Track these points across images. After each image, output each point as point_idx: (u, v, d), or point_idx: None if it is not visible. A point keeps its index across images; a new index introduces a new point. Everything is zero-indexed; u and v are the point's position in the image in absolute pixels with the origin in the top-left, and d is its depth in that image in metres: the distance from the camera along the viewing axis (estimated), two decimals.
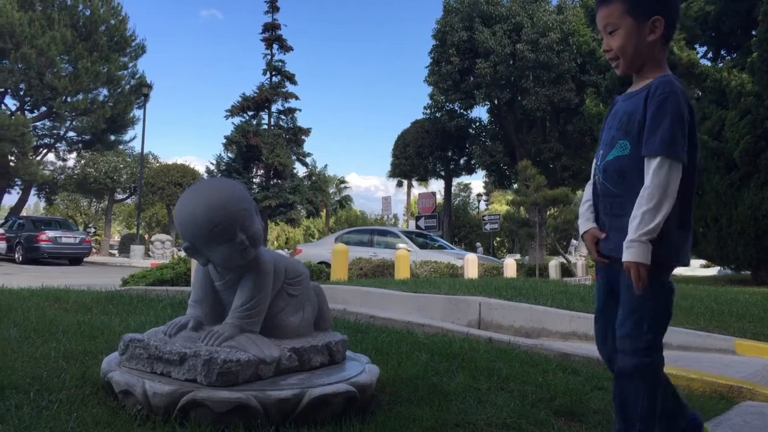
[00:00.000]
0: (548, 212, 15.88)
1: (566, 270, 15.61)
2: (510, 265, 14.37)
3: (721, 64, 14.00)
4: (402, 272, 11.58)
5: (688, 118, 1.79)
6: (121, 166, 33.19)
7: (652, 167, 1.75)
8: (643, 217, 1.73)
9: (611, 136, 1.93)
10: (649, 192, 1.74)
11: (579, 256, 22.12)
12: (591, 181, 2.06)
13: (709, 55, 16.97)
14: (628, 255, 1.75)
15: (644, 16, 1.88)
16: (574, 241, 33.72)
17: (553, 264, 15.69)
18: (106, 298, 4.74)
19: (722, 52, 16.72)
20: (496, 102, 29.97)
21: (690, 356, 4.47)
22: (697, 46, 16.13)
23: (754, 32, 12.92)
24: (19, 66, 29.51)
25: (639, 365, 1.83)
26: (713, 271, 23.59)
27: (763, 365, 4.15)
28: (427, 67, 30.81)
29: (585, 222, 2.01)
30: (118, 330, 3.23)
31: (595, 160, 2.03)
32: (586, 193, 2.07)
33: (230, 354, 2.06)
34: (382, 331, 4.01)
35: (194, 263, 2.53)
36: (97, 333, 3.13)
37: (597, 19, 1.98)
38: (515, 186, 23.56)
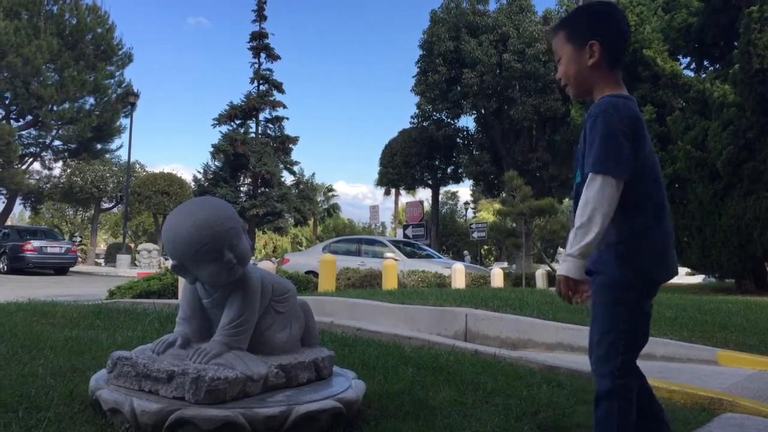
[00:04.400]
0: (534, 222, 15.98)
1: (553, 279, 15.68)
2: (497, 275, 14.43)
3: (703, 75, 14.20)
4: (389, 282, 11.61)
5: (625, 132, 1.80)
6: (108, 174, 33.05)
7: (586, 184, 1.79)
8: (576, 233, 1.77)
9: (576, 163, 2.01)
10: (581, 209, 1.77)
11: None
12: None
13: (692, 66, 17.18)
14: (560, 268, 1.80)
15: (581, 42, 1.95)
16: (561, 250, 33.88)
17: (540, 273, 15.77)
18: (93, 312, 4.74)
19: (705, 63, 16.93)
20: (483, 111, 30.13)
21: (673, 367, 4.53)
22: (680, 57, 16.33)
23: (736, 43, 13.11)
24: (5, 75, 29.37)
25: (613, 388, 1.84)
26: (699, 278, 23.80)
27: (744, 376, 4.22)
28: (414, 76, 30.99)
29: None
30: (105, 345, 3.24)
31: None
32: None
33: (218, 372, 2.08)
34: (369, 344, 4.04)
35: (182, 280, 2.56)
36: (84, 349, 3.13)
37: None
38: (503, 194, 23.68)
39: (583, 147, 1.88)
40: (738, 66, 11.87)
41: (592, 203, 1.75)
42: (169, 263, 2.34)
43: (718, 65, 15.74)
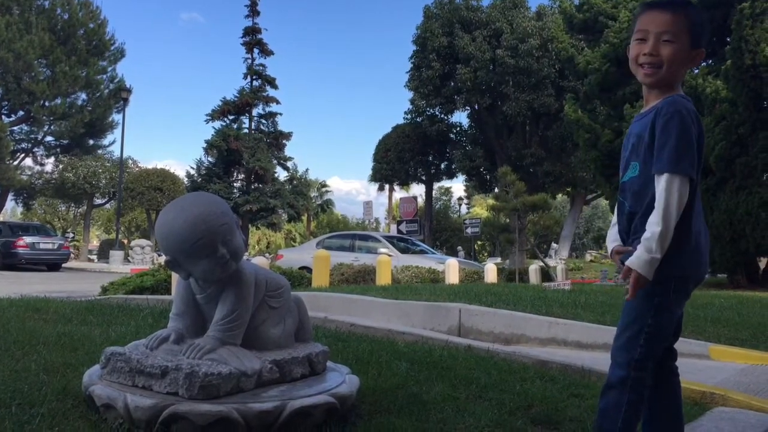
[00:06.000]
0: (528, 218, 16.01)
1: (546, 274, 15.74)
2: (491, 270, 14.46)
3: (696, 71, 14.21)
4: (383, 278, 11.62)
5: (695, 134, 1.85)
6: (100, 170, 32.89)
7: (660, 185, 1.80)
8: (659, 236, 1.77)
9: (626, 158, 2.00)
10: (662, 210, 1.78)
11: (559, 260, 22.32)
12: (619, 201, 2.11)
13: None
14: (635, 263, 1.79)
15: (696, 42, 1.93)
16: (554, 245, 33.98)
17: (533, 268, 15.82)
18: (86, 308, 4.73)
19: None
20: (476, 107, 30.15)
21: None
22: None
23: (729, 39, 13.14)
24: None
25: (627, 378, 1.85)
26: None
27: (736, 370, 4.24)
28: (407, 72, 30.95)
29: (610, 243, 2.06)
30: (98, 341, 3.24)
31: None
32: (615, 215, 2.12)
33: (211, 367, 2.08)
34: (362, 339, 4.04)
35: (176, 276, 2.55)
36: (77, 345, 3.13)
37: (651, 19, 1.94)
38: (496, 190, 23.69)
39: (648, 141, 1.88)
40: (730, 62, 11.90)
41: (673, 206, 1.78)
42: (163, 259, 2.34)
43: (710, 61, 15.76)
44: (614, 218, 2.11)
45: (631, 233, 1.96)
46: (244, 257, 2.36)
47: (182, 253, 2.16)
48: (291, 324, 2.53)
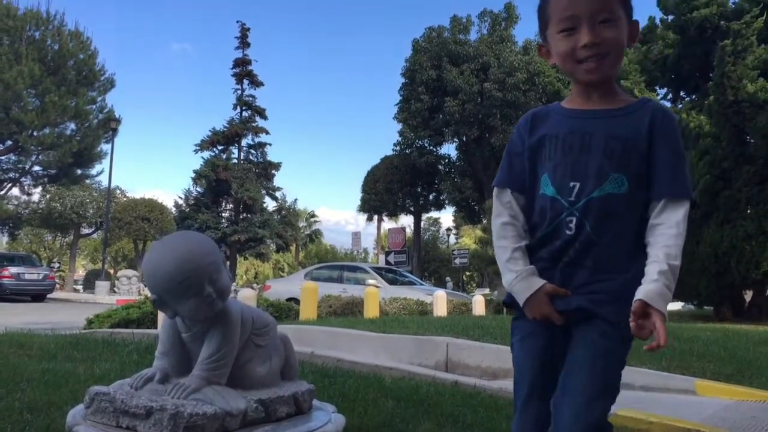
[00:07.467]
0: None
1: None
2: (479, 302, 14.44)
3: (680, 106, 14.46)
4: (371, 310, 11.58)
5: None
6: (88, 200, 32.70)
7: (680, 213, 1.48)
8: (675, 272, 1.45)
9: (597, 166, 1.49)
10: (681, 243, 1.46)
11: None
12: (508, 221, 1.61)
13: (669, 96, 17.53)
14: (663, 306, 1.41)
15: (629, 13, 1.55)
16: None
17: None
18: (70, 343, 4.69)
19: (681, 94, 17.29)
20: (464, 139, 30.42)
21: (651, 397, 4.56)
22: (657, 88, 16.65)
23: (711, 75, 13.40)
24: None
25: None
26: (677, 305, 23.98)
27: (721, 406, 4.25)
28: (396, 104, 31.25)
29: (529, 278, 1.54)
30: (83, 378, 3.21)
31: (547, 191, 1.55)
32: (507, 237, 1.59)
33: (196, 407, 2.07)
34: (349, 375, 4.03)
35: (161, 314, 2.55)
36: (61, 382, 3.10)
37: (580, 2, 1.49)
38: (484, 221, 23.75)
39: (642, 151, 1.50)
40: (713, 97, 12.14)
41: (683, 237, 1.48)
42: (149, 291, 2.34)
43: (694, 96, 16.06)
44: (512, 239, 1.58)
45: (582, 267, 1.51)
46: (232, 287, 2.37)
47: (168, 292, 2.17)
48: (277, 362, 2.53)
